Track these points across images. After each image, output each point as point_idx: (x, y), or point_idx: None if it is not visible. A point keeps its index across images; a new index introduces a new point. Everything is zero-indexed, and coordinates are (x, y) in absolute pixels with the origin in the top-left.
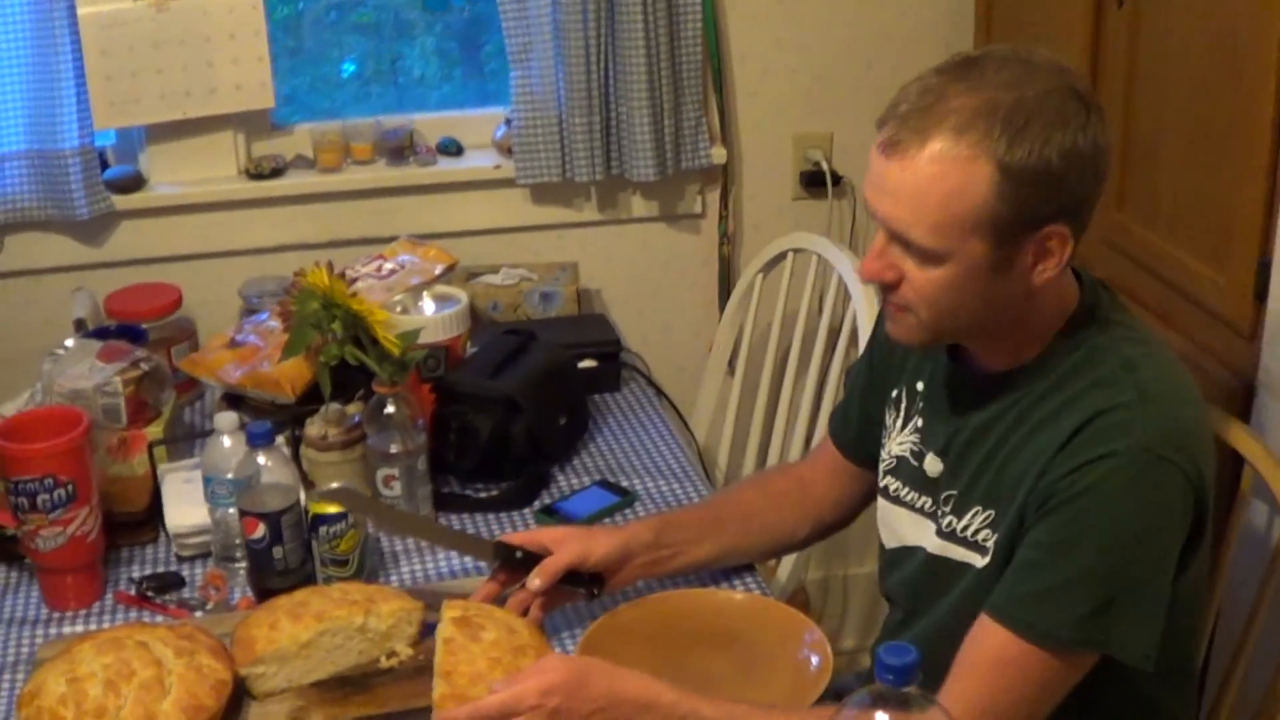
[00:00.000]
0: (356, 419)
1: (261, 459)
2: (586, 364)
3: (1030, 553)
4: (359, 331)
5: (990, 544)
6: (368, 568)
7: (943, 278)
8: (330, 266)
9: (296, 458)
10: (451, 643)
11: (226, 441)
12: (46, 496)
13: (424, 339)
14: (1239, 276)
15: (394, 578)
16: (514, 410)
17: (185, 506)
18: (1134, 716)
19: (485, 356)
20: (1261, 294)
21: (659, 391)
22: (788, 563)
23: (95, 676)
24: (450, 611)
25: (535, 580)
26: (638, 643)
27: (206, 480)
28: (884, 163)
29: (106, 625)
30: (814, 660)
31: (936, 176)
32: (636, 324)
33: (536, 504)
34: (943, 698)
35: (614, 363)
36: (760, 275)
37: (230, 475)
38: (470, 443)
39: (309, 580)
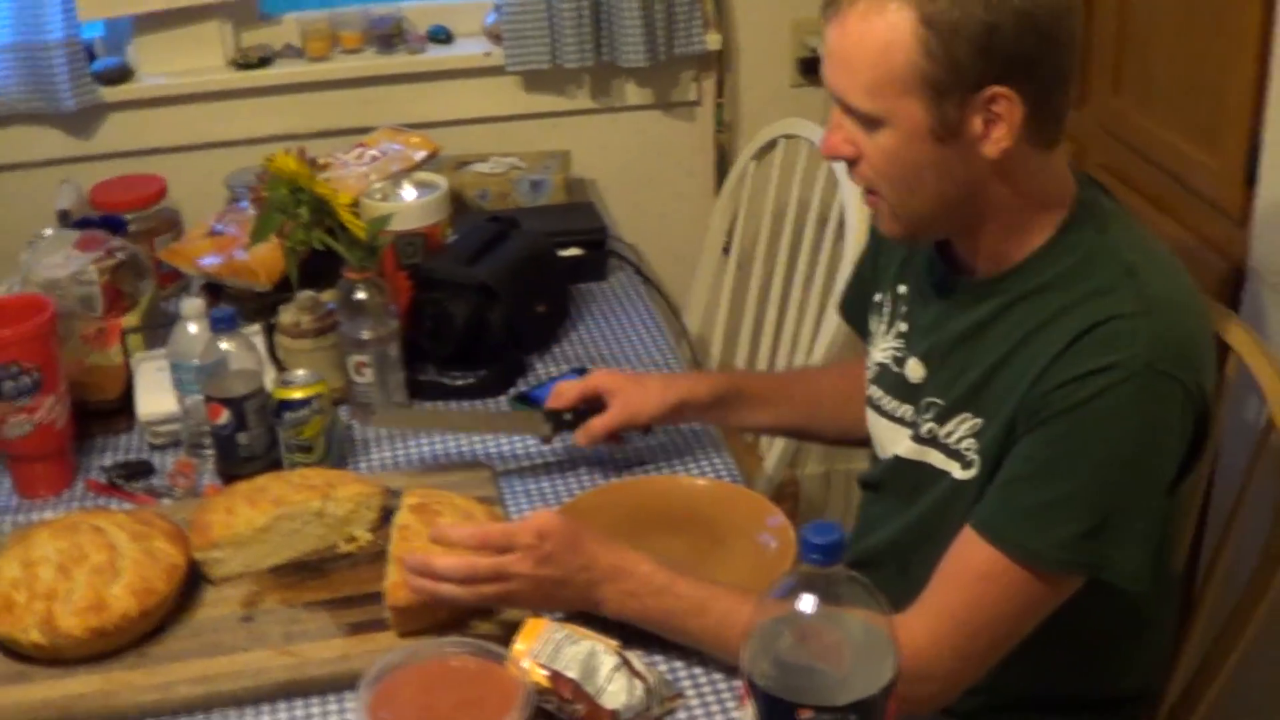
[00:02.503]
0: (331, 306)
1: (225, 345)
2: (571, 252)
3: (1020, 466)
4: (329, 217)
5: (974, 454)
6: (334, 454)
7: (888, 146)
8: (302, 151)
9: (272, 346)
10: (406, 529)
11: (192, 328)
12: (12, 383)
13: (402, 225)
14: (1231, 161)
15: (362, 465)
16: (490, 297)
17: (156, 395)
18: (1114, 622)
19: (464, 244)
20: (1251, 179)
21: (646, 280)
22: (774, 453)
23: (49, 561)
24: (409, 498)
25: (580, 439)
26: (600, 526)
27: (174, 367)
28: (826, 28)
29: (76, 509)
30: (772, 544)
31: (864, 34)
32: (631, 214)
33: (512, 391)
34: (919, 607)
35: (600, 251)
36: (753, 162)
37: (196, 362)
38: (446, 330)
39: (275, 466)
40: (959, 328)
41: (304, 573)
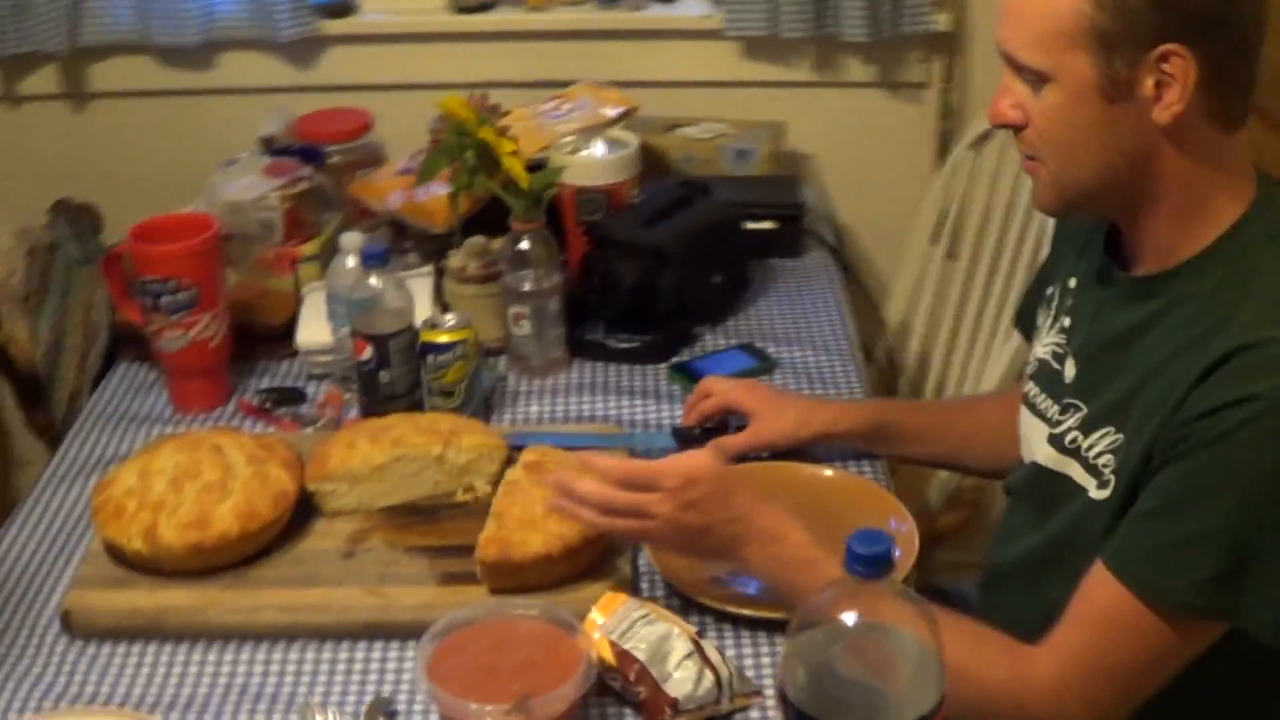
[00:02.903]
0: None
1: (375, 281)
2: (764, 225)
3: (1155, 499)
4: (497, 165)
5: (1110, 473)
6: (477, 401)
7: (1054, 104)
8: (484, 98)
9: (440, 289)
10: (514, 486)
11: (349, 262)
12: (169, 298)
13: (587, 181)
14: None
15: (506, 417)
16: (662, 261)
17: (316, 325)
18: (1253, 676)
19: (646, 205)
20: None
21: (841, 262)
22: None
23: (164, 473)
24: (526, 454)
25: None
26: None
27: (328, 299)
28: None
29: (237, 422)
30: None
31: None
32: (843, 193)
33: (673, 360)
34: (1049, 643)
35: (795, 227)
36: (969, 152)
37: (351, 296)
38: (613, 290)
39: (416, 407)
40: (1114, 329)
41: (415, 516)
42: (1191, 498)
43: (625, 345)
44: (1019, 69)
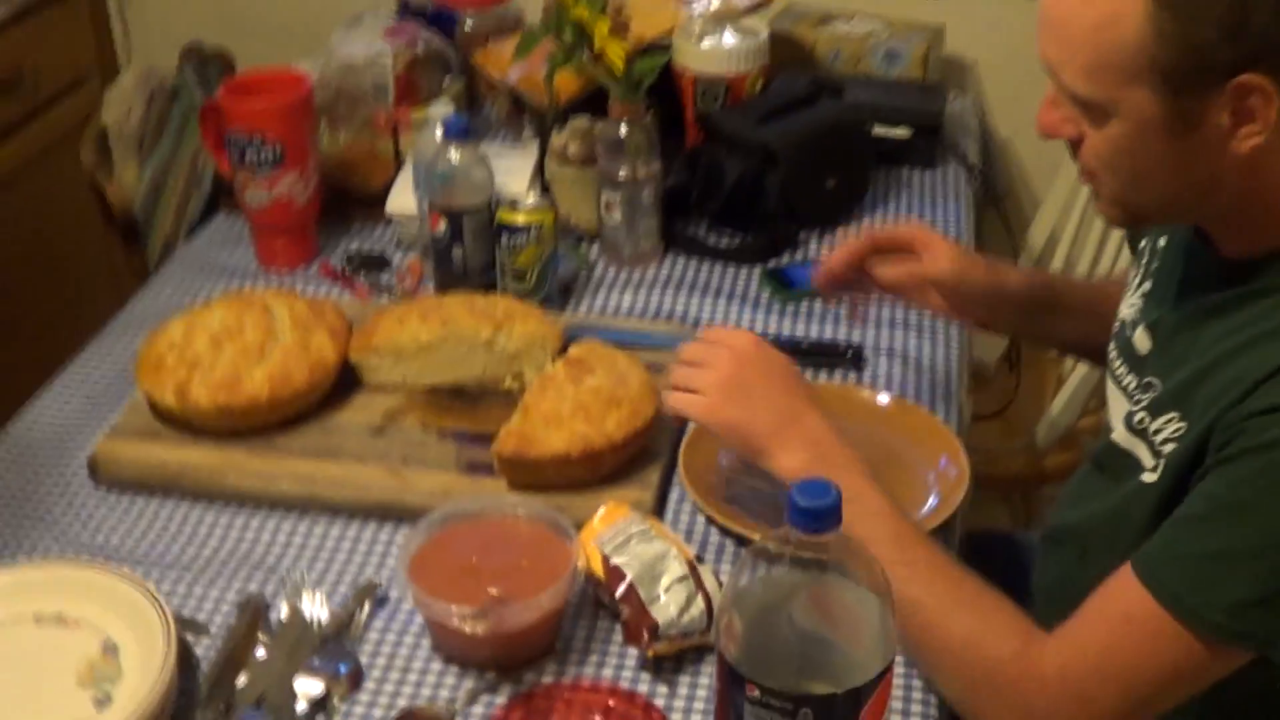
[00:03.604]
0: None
1: (455, 155)
2: (896, 132)
3: (1197, 504)
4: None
5: (1164, 460)
6: (550, 288)
7: (1115, 137)
8: None
9: (543, 167)
10: (550, 380)
11: (438, 132)
12: (254, 154)
13: (709, 69)
14: None
15: (582, 306)
16: (770, 161)
17: (409, 193)
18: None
19: (766, 100)
20: None
21: (982, 180)
22: (1065, 393)
23: (208, 330)
24: (573, 350)
25: (824, 278)
26: None
27: (414, 168)
28: None
29: (307, 290)
30: (932, 494)
31: (1082, 2)
32: (1000, 107)
33: (771, 263)
34: (1058, 633)
35: (931, 137)
36: None
37: (432, 167)
38: (715, 186)
39: (489, 288)
40: (1192, 307)
41: (457, 399)
42: (1236, 507)
43: (725, 244)
44: (1070, 96)
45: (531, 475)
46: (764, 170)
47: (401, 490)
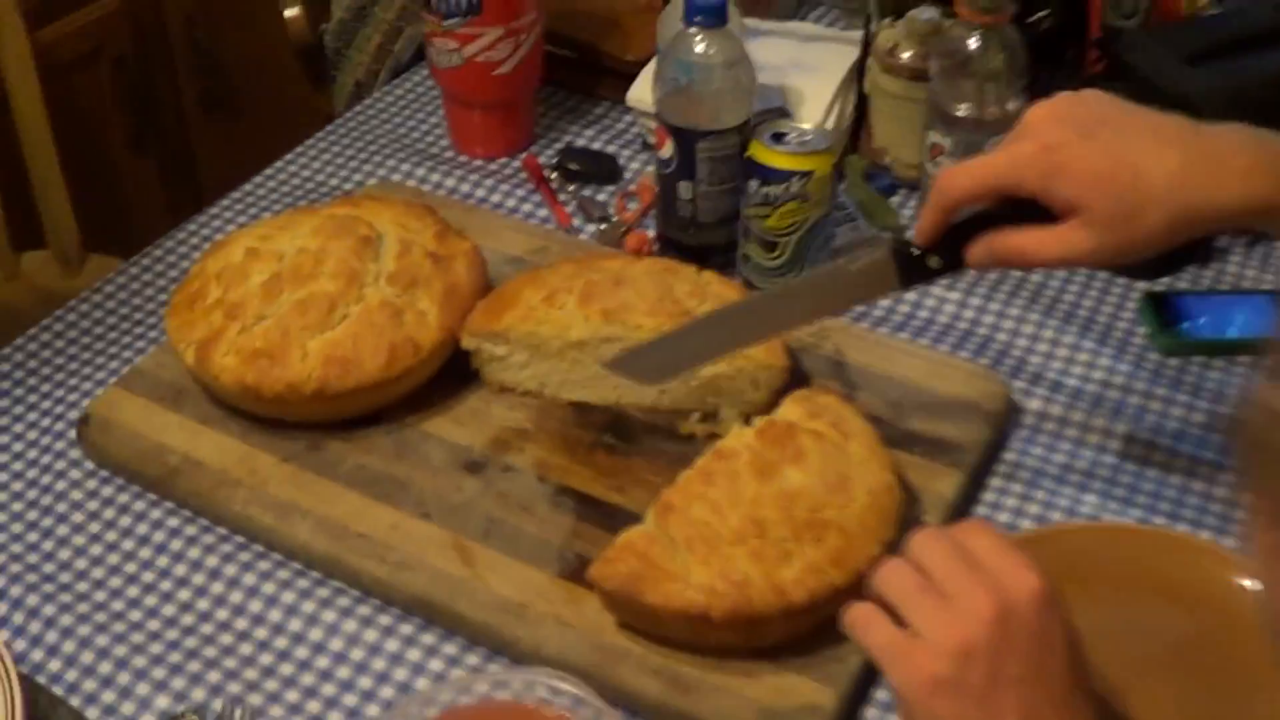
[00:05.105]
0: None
1: (701, 47)
2: None
3: None
4: None
5: None
6: (806, 264)
7: None
8: None
9: (863, 69)
10: (729, 457)
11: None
12: None
13: None
14: None
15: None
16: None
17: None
18: None
19: (1210, 28)
20: None
21: None
22: None
23: (275, 260)
24: (787, 405)
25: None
26: None
27: (659, 57)
28: None
29: (500, 189)
30: None
31: None
32: None
33: (1153, 283)
34: None
35: None
36: None
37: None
38: None
39: (727, 249)
40: None
41: (610, 435)
42: None
43: None
44: None
45: (648, 623)
46: None
47: (461, 585)
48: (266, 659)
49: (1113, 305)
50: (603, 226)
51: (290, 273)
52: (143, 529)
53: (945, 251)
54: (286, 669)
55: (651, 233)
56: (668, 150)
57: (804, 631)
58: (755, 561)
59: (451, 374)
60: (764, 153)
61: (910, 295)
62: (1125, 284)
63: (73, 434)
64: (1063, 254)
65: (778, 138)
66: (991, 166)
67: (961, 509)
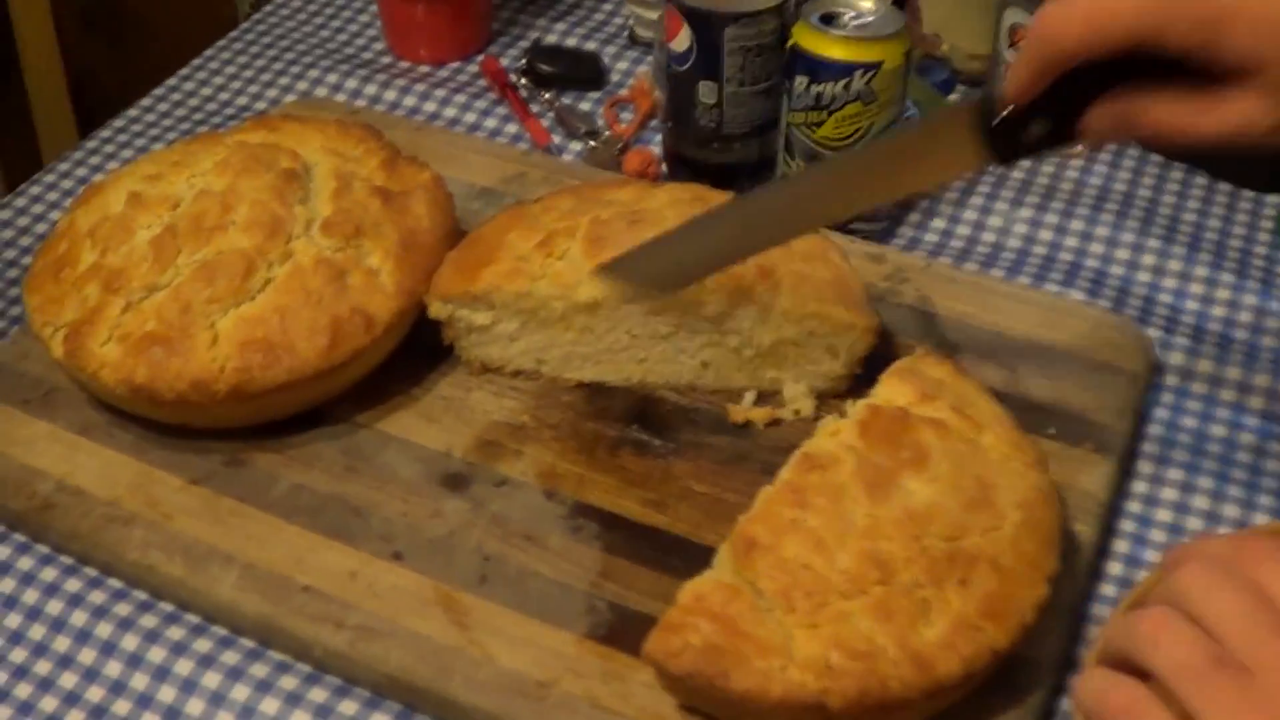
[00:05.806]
0: None
1: None
2: None
3: None
4: None
5: None
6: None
7: None
8: None
9: None
10: (824, 468)
11: None
12: None
13: None
14: None
15: (933, 236)
16: None
17: None
18: None
19: None
20: None
21: None
22: None
23: (162, 210)
24: (889, 383)
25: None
26: None
27: None
28: None
29: (454, 102)
30: None
31: None
32: None
33: None
34: None
35: None
36: None
37: None
38: None
39: (762, 171)
40: None
41: (638, 427)
42: None
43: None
44: None
45: (731, 713)
46: None
47: (453, 657)
48: None
49: (1243, 226)
50: (591, 144)
51: (189, 224)
52: (7, 586)
53: (1047, 113)
54: None
55: (657, 149)
56: (682, 41)
57: (946, 710)
58: (882, 620)
59: (416, 353)
60: (814, 39)
61: (995, 220)
62: (1254, 199)
63: None
64: (1238, 126)
65: (830, 19)
66: (1121, 6)
67: (1114, 510)
